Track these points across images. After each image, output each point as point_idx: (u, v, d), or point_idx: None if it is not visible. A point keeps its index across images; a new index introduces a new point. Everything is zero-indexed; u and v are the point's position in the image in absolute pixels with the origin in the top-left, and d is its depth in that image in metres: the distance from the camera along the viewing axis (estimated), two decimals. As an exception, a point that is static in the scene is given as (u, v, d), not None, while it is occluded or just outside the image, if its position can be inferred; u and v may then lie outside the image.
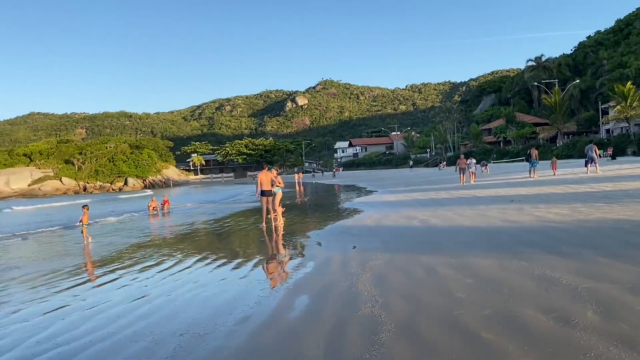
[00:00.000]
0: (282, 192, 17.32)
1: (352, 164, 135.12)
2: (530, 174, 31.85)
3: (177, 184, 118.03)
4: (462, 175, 30.93)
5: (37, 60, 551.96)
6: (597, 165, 29.23)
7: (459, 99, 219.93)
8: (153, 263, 11.17)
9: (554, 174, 31.91)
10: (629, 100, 55.98)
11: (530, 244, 9.07)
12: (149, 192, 76.45)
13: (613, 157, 48.17)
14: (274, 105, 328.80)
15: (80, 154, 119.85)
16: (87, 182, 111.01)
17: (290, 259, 10.43)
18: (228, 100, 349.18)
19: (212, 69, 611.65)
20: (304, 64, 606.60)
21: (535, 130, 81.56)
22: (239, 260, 10.62)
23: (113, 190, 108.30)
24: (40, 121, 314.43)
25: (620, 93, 56.86)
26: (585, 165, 29.74)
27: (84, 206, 16.80)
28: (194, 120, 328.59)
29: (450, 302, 5.86)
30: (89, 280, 9.77)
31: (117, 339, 5.60)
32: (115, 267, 11.00)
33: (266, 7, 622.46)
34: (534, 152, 32.88)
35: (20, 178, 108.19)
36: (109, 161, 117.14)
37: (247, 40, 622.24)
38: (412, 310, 5.68)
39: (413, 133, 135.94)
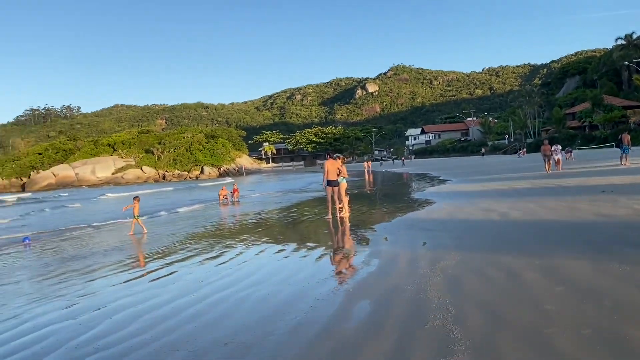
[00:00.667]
0: (349, 181, 16.65)
1: (424, 152, 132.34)
2: (621, 161, 29.33)
3: (249, 172, 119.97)
4: (546, 162, 28.76)
5: (120, 54, 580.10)
6: None
7: (540, 82, 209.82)
8: (212, 255, 10.90)
9: (650, 160, 29.33)
10: None
11: (632, 244, 7.85)
12: (229, 179, 78.46)
13: None
14: (343, 93, 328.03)
15: (160, 143, 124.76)
16: (166, 171, 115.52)
17: (353, 255, 9.68)
18: (299, 89, 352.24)
19: (283, 58, 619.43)
20: (374, 50, 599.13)
21: (626, 114, 76.14)
22: (299, 255, 10.09)
23: (190, 178, 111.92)
24: (124, 113, 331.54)
25: None
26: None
27: (134, 198, 16.87)
28: (266, 110, 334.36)
29: (538, 317, 4.92)
30: (144, 275, 9.46)
31: (157, 346, 5.10)
32: (175, 259, 10.77)
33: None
34: (626, 138, 30.24)
35: (105, 167, 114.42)
36: (186, 150, 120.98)
37: (317, 29, 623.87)
38: (490, 326, 4.80)
39: (490, 118, 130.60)
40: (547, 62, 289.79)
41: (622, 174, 21.96)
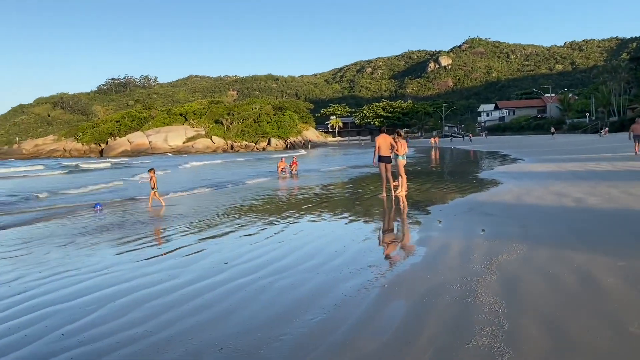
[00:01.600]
0: (412, 157, 15.48)
1: (497, 129, 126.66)
2: None
3: (315, 145, 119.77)
4: (637, 143, 25.68)
5: (194, 25, 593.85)
6: None
7: (628, 56, 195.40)
8: (249, 233, 10.18)
9: None
10: None
11: None
12: (303, 151, 78.86)
13: None
14: (415, 66, 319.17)
15: (229, 114, 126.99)
16: (234, 141, 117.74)
17: (398, 241, 8.64)
18: (369, 62, 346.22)
19: (353, 30, 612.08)
20: (448, 22, 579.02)
21: None
22: (339, 237, 9.12)
23: (257, 149, 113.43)
24: (198, 83, 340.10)
25: None
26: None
27: (150, 170, 16.20)
28: (335, 82, 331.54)
29: (620, 343, 3.74)
30: (172, 252, 8.70)
31: (144, 345, 4.32)
32: (210, 234, 10.20)
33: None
34: None
35: (176, 136, 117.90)
36: (254, 122, 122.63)
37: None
38: (554, 352, 3.66)
39: (570, 95, 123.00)
40: (637, 36, 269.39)
41: None
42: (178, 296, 5.84)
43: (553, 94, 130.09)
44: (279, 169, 28.83)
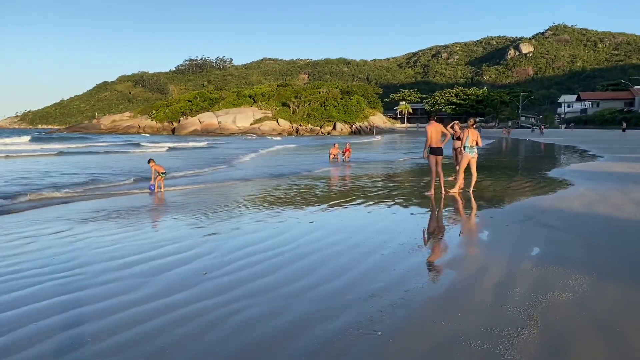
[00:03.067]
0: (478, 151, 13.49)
1: (578, 121, 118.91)
2: None
3: (381, 131, 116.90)
4: None
5: (268, 7, 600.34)
6: None
7: None
8: (246, 231, 8.69)
9: None
10: None
11: None
12: (378, 137, 77.03)
13: None
14: (494, 52, 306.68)
15: (296, 97, 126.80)
16: (300, 125, 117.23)
17: (422, 260, 6.78)
18: (445, 47, 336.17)
19: (429, 14, 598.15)
20: (531, 6, 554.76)
21: None
22: (348, 246, 7.38)
23: (322, 133, 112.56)
24: (270, 66, 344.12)
25: None
26: None
27: (149, 160, 15.43)
28: (408, 67, 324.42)
29: None
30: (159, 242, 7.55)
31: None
32: (213, 231, 8.79)
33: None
34: None
35: (245, 117, 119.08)
36: (321, 105, 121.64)
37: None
38: None
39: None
40: None
41: None
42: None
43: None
44: (331, 156, 27.45)
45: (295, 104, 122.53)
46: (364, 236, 8.06)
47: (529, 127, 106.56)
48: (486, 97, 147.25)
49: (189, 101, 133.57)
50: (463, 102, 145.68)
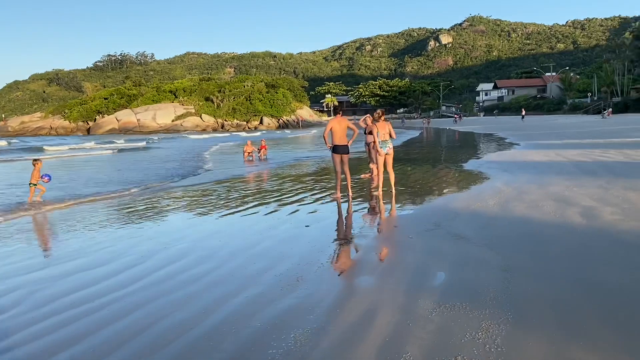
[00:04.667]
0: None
1: (495, 108, 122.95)
2: None
3: (308, 124, 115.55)
4: None
5: (190, 2, 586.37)
6: None
7: (632, 35, 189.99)
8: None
9: None
10: None
11: None
12: (314, 131, 74.49)
13: None
14: (415, 44, 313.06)
15: (220, 91, 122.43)
16: (225, 120, 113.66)
17: (291, 308, 4.82)
18: (369, 39, 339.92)
19: (353, 6, 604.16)
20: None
21: None
22: (204, 285, 5.49)
23: (249, 128, 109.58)
24: (195, 60, 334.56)
25: None
26: None
27: (35, 160, 13.34)
28: (334, 60, 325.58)
29: None
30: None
31: None
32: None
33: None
34: None
35: (165, 114, 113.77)
36: (246, 100, 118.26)
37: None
38: None
39: (572, 74, 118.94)
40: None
41: None
42: None
43: (554, 73, 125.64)
44: (245, 154, 25.60)
45: (219, 98, 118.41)
46: (235, 265, 6.35)
47: (450, 116, 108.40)
48: (408, 88, 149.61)
49: (105, 99, 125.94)
50: (386, 94, 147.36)
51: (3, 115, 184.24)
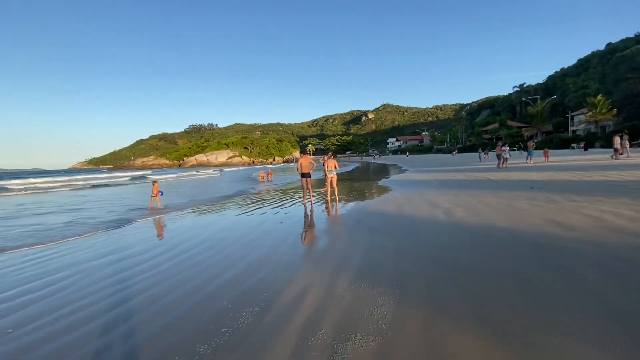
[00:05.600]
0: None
1: (396, 151, 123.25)
2: (527, 160, 22.78)
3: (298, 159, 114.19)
4: (499, 160, 20.34)
5: (237, 89, 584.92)
6: (622, 152, 19.16)
7: (465, 113, 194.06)
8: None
9: (546, 160, 22.58)
10: (598, 108, 41.74)
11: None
12: (292, 164, 72.54)
13: (585, 148, 35.81)
14: (355, 118, 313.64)
15: (252, 144, 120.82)
16: (255, 159, 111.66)
17: (255, 261, 4.06)
18: (331, 115, 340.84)
19: (323, 97, 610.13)
20: (374, 90, 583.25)
21: (520, 131, 66.75)
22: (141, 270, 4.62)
23: (267, 163, 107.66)
24: (239, 127, 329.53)
25: (592, 102, 42.59)
26: (615, 153, 19.39)
27: (154, 181, 11.83)
28: (313, 127, 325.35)
29: None
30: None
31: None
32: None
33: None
34: (531, 144, 23.57)
35: (222, 156, 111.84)
36: (266, 147, 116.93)
37: (345, 76, 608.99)
38: None
39: (436, 133, 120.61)
40: (470, 102, 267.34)
41: (535, 170, 15.68)
42: None
43: (427, 133, 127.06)
44: (260, 177, 24.48)
45: (251, 147, 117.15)
46: (229, 251, 5.32)
47: (371, 155, 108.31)
48: (352, 141, 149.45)
49: (189, 148, 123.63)
50: (340, 144, 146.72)
51: (132, 157, 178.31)
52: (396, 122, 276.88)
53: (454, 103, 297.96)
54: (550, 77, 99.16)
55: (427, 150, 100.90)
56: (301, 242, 5.69)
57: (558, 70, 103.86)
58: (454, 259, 4.19)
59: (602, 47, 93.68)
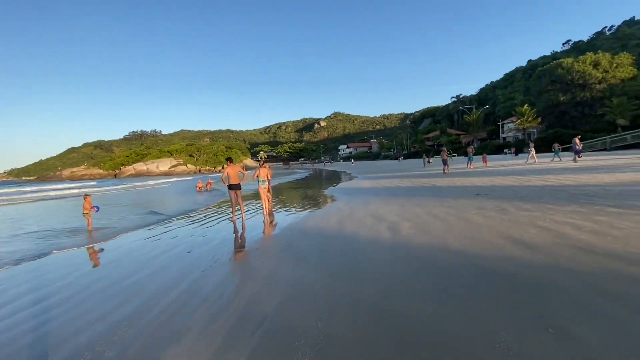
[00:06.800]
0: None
1: (347, 158, 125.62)
2: (467, 165, 23.48)
3: (250, 168, 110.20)
4: (444, 165, 20.59)
5: (182, 93, 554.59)
6: (577, 156, 20.13)
7: (409, 122, 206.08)
8: None
9: (485, 165, 23.49)
10: (525, 116, 45.98)
11: None
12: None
13: (516, 153, 38.89)
14: (308, 125, 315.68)
15: (198, 151, 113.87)
16: (201, 167, 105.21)
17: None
18: (283, 122, 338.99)
19: (276, 105, 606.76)
20: (324, 101, 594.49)
21: (459, 138, 71.57)
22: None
23: (215, 171, 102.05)
24: (186, 134, 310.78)
25: (520, 111, 46.84)
26: (576, 154, 20.27)
27: (85, 195, 9.26)
28: (265, 134, 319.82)
29: None
30: None
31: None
32: None
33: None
34: (470, 150, 24.37)
35: (164, 164, 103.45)
36: (214, 155, 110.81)
37: (298, 83, 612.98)
38: None
39: (383, 140, 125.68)
40: (414, 112, 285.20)
41: (477, 175, 15.73)
42: None
43: (375, 140, 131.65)
44: (197, 187, 21.97)
45: (198, 155, 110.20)
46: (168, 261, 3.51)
47: (323, 162, 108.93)
48: (304, 148, 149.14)
49: (127, 156, 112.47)
50: (293, 151, 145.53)
51: (59, 168, 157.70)
52: (347, 130, 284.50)
53: (398, 112, 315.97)
54: (482, 89, 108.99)
55: (376, 156, 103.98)
56: (199, 285, 4.05)
57: (489, 83, 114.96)
58: (401, 310, 2.93)
59: (524, 63, 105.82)
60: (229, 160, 9.01)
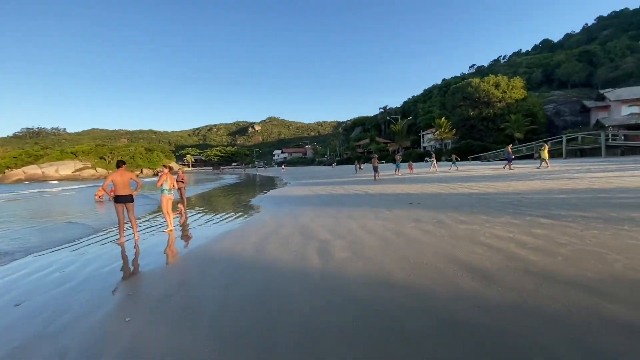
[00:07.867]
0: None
1: (282, 163, 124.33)
2: (395, 172, 24.20)
3: (175, 172, 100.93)
4: (375, 172, 20.27)
5: (97, 86, 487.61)
6: (509, 164, 21.07)
7: (342, 129, 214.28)
8: None
9: (411, 172, 24.46)
10: (443, 128, 50.57)
11: None
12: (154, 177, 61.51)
13: (436, 161, 42.22)
14: (242, 129, 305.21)
15: (111, 153, 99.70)
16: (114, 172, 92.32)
17: None
18: (215, 125, 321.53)
19: (206, 103, 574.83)
20: (259, 105, 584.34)
21: (386, 146, 75.86)
22: None
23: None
24: (98, 134, 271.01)
25: (439, 123, 51.38)
26: (508, 162, 21.02)
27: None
28: (194, 136, 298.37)
29: None
30: None
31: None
32: None
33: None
34: (398, 157, 25.24)
35: (67, 167, 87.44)
36: (131, 158, 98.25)
37: (232, 84, 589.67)
38: None
39: (318, 147, 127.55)
40: (346, 120, 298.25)
41: (406, 182, 15.84)
42: None
43: (309, 146, 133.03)
44: (96, 196, 18.09)
45: (110, 157, 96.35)
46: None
47: (255, 167, 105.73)
48: (237, 152, 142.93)
49: (15, 157, 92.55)
50: (224, 155, 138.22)
51: None
52: (282, 135, 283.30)
53: (332, 120, 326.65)
54: (405, 102, 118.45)
55: (310, 162, 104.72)
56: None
57: (411, 97, 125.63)
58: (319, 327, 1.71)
59: (439, 81, 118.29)
60: (120, 164, 6.93)
